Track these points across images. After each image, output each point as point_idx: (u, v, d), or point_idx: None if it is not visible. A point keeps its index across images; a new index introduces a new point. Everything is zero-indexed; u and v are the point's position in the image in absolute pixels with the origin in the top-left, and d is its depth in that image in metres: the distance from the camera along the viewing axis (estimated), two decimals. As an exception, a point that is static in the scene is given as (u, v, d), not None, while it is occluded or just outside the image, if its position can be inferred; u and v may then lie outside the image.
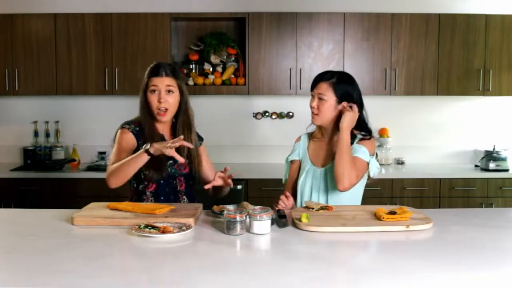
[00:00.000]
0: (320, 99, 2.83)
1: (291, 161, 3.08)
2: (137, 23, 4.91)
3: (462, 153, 5.40)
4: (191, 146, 2.78)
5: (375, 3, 5.18)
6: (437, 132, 5.40)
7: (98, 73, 4.94)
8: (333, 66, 4.92)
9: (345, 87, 2.83)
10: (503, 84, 5.01)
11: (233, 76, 5.07)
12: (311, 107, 2.88)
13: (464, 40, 4.96)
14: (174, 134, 2.95)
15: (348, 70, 4.79)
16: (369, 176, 2.86)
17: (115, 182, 2.73)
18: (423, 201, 4.72)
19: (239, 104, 5.37)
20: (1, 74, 4.94)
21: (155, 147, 2.63)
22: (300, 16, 4.94)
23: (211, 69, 5.11)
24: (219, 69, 5.10)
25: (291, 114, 5.35)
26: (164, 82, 2.84)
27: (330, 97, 2.81)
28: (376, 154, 2.93)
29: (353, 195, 2.83)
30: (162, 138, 2.88)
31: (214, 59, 5.08)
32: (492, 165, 4.85)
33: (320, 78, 2.88)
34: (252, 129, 5.39)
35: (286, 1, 5.20)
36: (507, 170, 4.83)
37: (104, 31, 4.91)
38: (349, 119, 2.76)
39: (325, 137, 2.94)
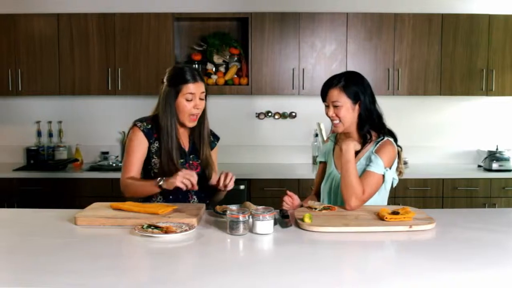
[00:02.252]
0: (335, 106, 2.78)
1: (320, 162, 3.07)
2: (140, 23, 4.91)
3: (465, 153, 5.39)
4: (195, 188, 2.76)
5: (378, 3, 5.18)
6: (440, 132, 5.39)
7: (101, 73, 4.95)
8: (336, 66, 4.92)
9: (355, 86, 2.78)
10: (506, 84, 5.00)
11: (236, 76, 5.07)
12: (330, 117, 2.81)
13: (467, 40, 4.95)
14: (192, 139, 2.95)
15: (351, 70, 4.79)
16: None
17: (128, 195, 2.82)
18: (426, 201, 4.72)
19: (242, 104, 5.37)
20: (4, 74, 4.95)
21: (167, 183, 2.65)
22: (302, 16, 4.94)
23: (214, 69, 5.11)
24: (222, 69, 5.10)
25: (293, 114, 5.35)
26: (200, 88, 2.81)
27: (344, 101, 2.76)
28: (399, 154, 2.84)
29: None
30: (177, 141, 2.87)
31: (217, 59, 5.09)
32: (495, 165, 4.84)
33: (329, 85, 2.81)
34: (255, 129, 5.39)
35: (289, 1, 5.20)
36: (510, 171, 4.82)
37: (107, 31, 4.92)
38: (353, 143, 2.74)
39: None
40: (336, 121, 2.80)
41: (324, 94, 2.83)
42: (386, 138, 2.80)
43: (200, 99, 2.82)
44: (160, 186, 2.68)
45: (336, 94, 2.77)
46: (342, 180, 2.69)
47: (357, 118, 2.81)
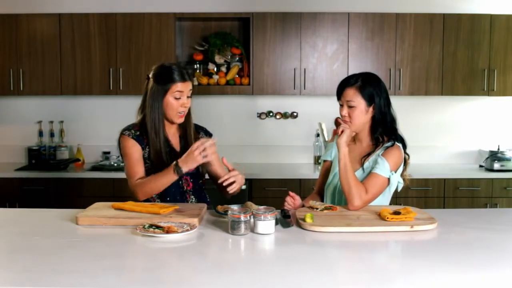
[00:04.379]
0: (349, 106, 2.77)
1: (324, 160, 3.06)
2: (141, 23, 4.91)
3: (466, 153, 5.38)
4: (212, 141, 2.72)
5: (380, 3, 5.17)
6: (441, 132, 5.39)
7: (102, 73, 4.95)
8: (337, 66, 4.92)
9: (371, 88, 2.76)
10: (507, 84, 4.99)
11: (237, 76, 5.07)
12: (342, 116, 2.79)
13: (469, 40, 4.95)
14: (181, 139, 2.95)
15: (352, 70, 4.79)
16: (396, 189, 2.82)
17: (144, 197, 2.78)
18: (427, 201, 4.71)
19: (243, 104, 5.37)
20: (6, 74, 4.95)
21: (186, 164, 2.63)
22: (304, 16, 4.94)
23: (215, 69, 5.11)
24: (224, 69, 5.10)
25: (295, 114, 5.35)
26: (188, 87, 2.82)
27: (359, 102, 2.75)
28: (405, 159, 2.83)
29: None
30: (166, 141, 2.87)
31: (218, 59, 5.09)
32: (496, 165, 4.83)
33: (345, 84, 2.80)
34: (256, 129, 5.39)
35: (291, 1, 5.20)
36: (511, 171, 4.81)
37: (108, 31, 4.92)
38: (348, 136, 2.74)
39: (356, 142, 2.89)
40: (348, 121, 2.78)
41: (340, 92, 2.82)
42: (395, 144, 2.79)
43: (188, 97, 2.83)
44: (178, 172, 2.66)
45: (352, 94, 2.76)
46: (341, 179, 2.69)
47: (371, 121, 2.81)
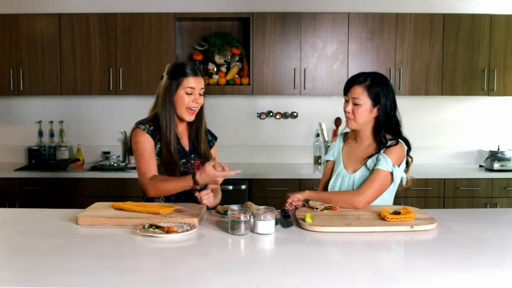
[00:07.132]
0: (355, 104, 2.77)
1: (327, 161, 3.07)
2: (141, 23, 4.91)
3: (466, 153, 5.39)
4: (234, 172, 2.68)
5: (380, 3, 5.17)
6: (441, 132, 5.39)
7: (102, 73, 4.95)
8: (337, 66, 4.92)
9: (379, 89, 2.76)
10: (507, 84, 4.99)
11: (237, 76, 5.07)
12: (346, 112, 2.81)
13: (469, 40, 4.95)
14: (191, 138, 2.95)
15: (352, 70, 4.80)
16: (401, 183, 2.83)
17: (156, 195, 2.79)
18: (427, 201, 4.71)
19: (243, 104, 5.37)
20: (6, 74, 4.95)
21: (204, 179, 2.61)
22: (304, 16, 4.94)
23: (215, 69, 5.11)
24: (223, 69, 5.10)
25: (295, 114, 5.35)
26: (200, 83, 2.83)
27: (365, 100, 2.75)
28: (408, 162, 2.85)
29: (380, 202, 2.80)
30: (176, 138, 2.86)
31: (218, 59, 5.09)
32: (496, 165, 4.83)
33: (354, 81, 2.81)
34: (256, 129, 5.39)
35: (291, 1, 5.20)
36: (511, 171, 4.80)
37: (108, 31, 4.92)
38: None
39: (358, 141, 2.90)
40: (351, 118, 2.80)
41: (347, 88, 2.83)
42: (398, 142, 2.80)
43: (200, 94, 2.83)
44: (196, 182, 2.63)
45: (359, 92, 2.77)
46: (333, 203, 2.71)
47: (374, 121, 2.81)
